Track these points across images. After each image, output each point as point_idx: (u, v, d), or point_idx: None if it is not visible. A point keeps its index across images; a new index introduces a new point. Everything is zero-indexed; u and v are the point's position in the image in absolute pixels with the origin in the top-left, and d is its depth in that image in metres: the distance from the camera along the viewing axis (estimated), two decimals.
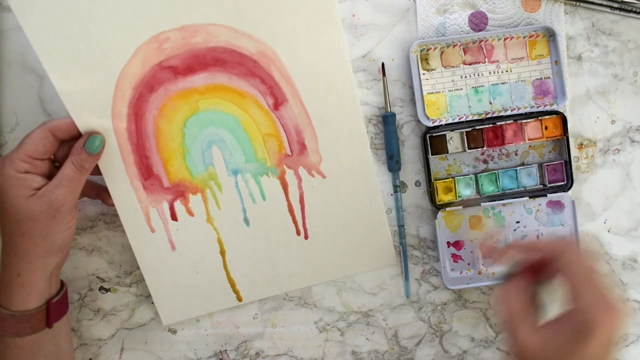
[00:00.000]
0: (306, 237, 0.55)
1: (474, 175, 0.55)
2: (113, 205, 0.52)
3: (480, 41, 0.53)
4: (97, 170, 0.51)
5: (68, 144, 0.48)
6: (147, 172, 0.52)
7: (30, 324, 0.47)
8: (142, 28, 0.48)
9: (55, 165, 0.49)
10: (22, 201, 0.45)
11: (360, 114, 0.53)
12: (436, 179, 0.55)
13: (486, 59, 0.54)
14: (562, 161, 0.54)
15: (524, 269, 0.42)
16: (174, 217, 0.53)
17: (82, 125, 0.49)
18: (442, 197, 0.55)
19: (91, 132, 0.49)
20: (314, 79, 0.51)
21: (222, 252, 0.54)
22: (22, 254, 0.46)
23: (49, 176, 0.47)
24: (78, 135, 0.49)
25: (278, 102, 0.52)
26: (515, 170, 0.54)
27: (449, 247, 0.55)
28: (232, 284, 0.55)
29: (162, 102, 0.51)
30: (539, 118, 0.54)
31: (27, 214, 0.45)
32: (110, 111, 0.50)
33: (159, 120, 0.51)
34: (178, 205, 0.53)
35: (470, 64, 0.54)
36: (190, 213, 0.53)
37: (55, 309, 0.48)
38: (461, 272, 0.55)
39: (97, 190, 0.53)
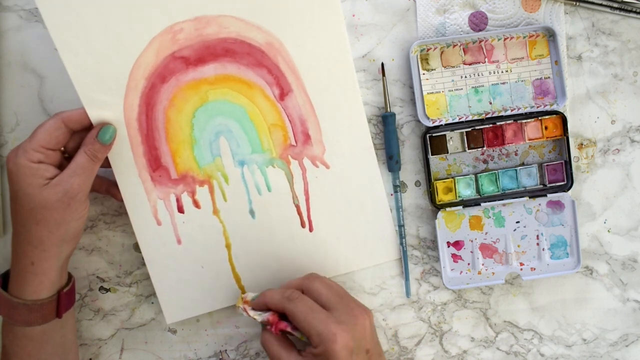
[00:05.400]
0: (311, 230, 0.55)
1: (474, 175, 0.55)
2: (122, 200, 0.53)
3: (480, 41, 0.53)
4: (106, 163, 0.51)
5: (79, 135, 0.49)
6: (155, 164, 0.52)
7: (41, 314, 0.48)
8: (157, 19, 0.50)
9: (65, 156, 0.49)
10: (36, 190, 0.46)
11: (361, 104, 0.53)
12: (436, 179, 0.55)
13: (486, 59, 0.54)
14: (562, 161, 0.54)
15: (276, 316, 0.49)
16: (180, 209, 0.53)
17: (94, 115, 0.50)
18: (442, 197, 0.55)
19: (104, 123, 0.50)
20: (317, 70, 0.52)
21: (228, 246, 0.54)
22: (36, 242, 0.46)
23: (60, 167, 0.48)
24: (89, 126, 0.50)
25: (284, 92, 0.52)
26: (515, 170, 0.54)
27: (449, 247, 0.55)
28: (238, 279, 0.55)
29: (173, 92, 0.52)
30: (539, 118, 0.54)
31: (42, 202, 0.46)
32: (123, 102, 0.51)
33: (169, 111, 0.52)
34: (185, 197, 0.53)
35: (470, 64, 0.54)
36: (197, 205, 0.54)
37: (65, 299, 0.49)
38: (461, 272, 0.55)
39: (106, 186, 0.53)
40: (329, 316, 0.46)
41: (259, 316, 0.49)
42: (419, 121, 0.54)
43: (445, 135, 0.54)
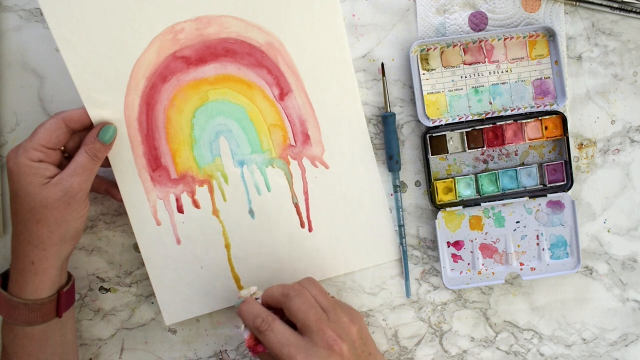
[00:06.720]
0: (310, 230, 0.55)
1: (474, 175, 0.55)
2: (122, 200, 0.53)
3: (480, 41, 0.53)
4: (106, 162, 0.51)
5: (79, 135, 0.49)
6: (155, 164, 0.52)
7: (41, 313, 0.48)
8: (159, 18, 0.50)
9: (64, 156, 0.49)
10: (37, 189, 0.46)
11: (360, 104, 0.54)
12: (436, 179, 0.55)
13: (486, 59, 0.54)
14: (562, 161, 0.54)
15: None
16: (180, 209, 0.54)
17: (95, 115, 0.50)
18: (442, 197, 0.55)
19: (104, 122, 0.50)
20: (317, 70, 0.52)
21: (227, 246, 0.54)
22: (36, 241, 0.47)
23: (60, 166, 0.48)
24: (90, 125, 0.50)
25: (283, 92, 0.53)
26: (515, 170, 0.54)
27: (449, 247, 0.55)
28: (237, 280, 0.55)
29: (174, 92, 0.52)
30: (539, 118, 0.54)
31: (42, 201, 0.46)
32: (123, 101, 0.51)
33: (169, 111, 0.52)
34: (184, 197, 0.53)
35: (470, 64, 0.54)
36: (197, 205, 0.54)
37: (65, 298, 0.49)
38: (461, 272, 0.55)
39: (106, 186, 0.53)
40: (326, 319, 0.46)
41: (243, 332, 0.48)
42: (419, 121, 0.54)
43: (445, 135, 0.54)
